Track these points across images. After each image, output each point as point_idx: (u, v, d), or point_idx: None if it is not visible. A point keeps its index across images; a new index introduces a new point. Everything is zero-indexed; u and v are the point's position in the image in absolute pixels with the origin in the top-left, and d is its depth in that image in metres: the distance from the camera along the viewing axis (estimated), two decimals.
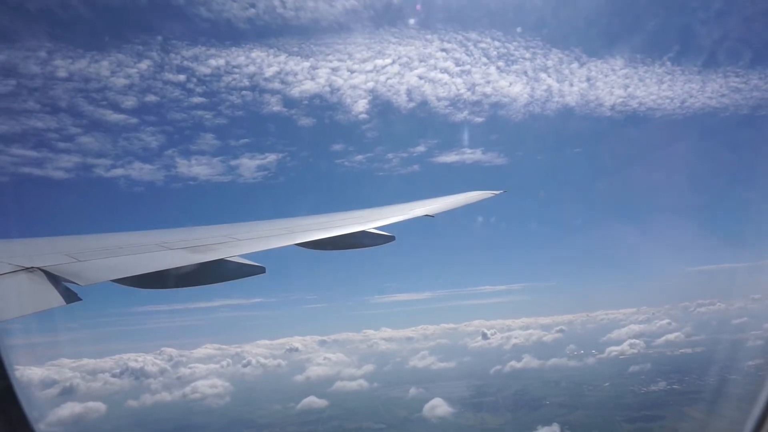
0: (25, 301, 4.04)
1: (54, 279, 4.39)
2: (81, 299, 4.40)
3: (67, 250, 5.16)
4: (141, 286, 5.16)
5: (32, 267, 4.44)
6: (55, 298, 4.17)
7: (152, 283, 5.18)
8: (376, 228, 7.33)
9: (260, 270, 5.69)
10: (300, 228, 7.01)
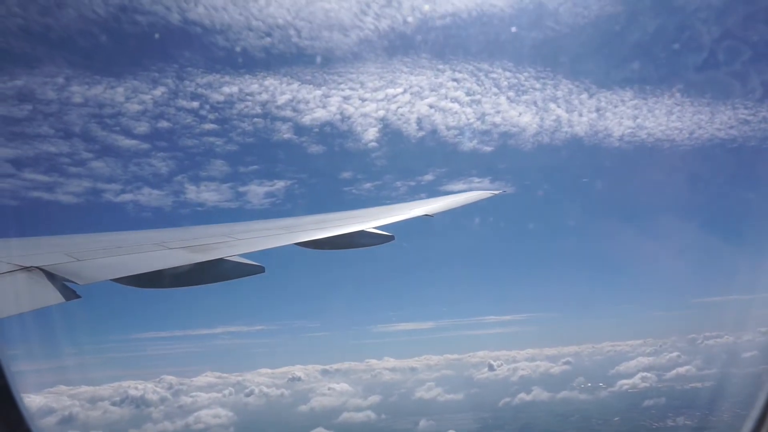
0: (23, 300, 4.02)
1: (53, 278, 4.38)
2: (80, 296, 4.37)
3: (66, 249, 5.15)
4: (140, 286, 5.14)
5: (31, 266, 4.42)
6: (54, 297, 4.15)
7: (151, 282, 5.16)
8: (375, 228, 7.31)
9: (259, 269, 5.66)
10: (299, 227, 7.00)
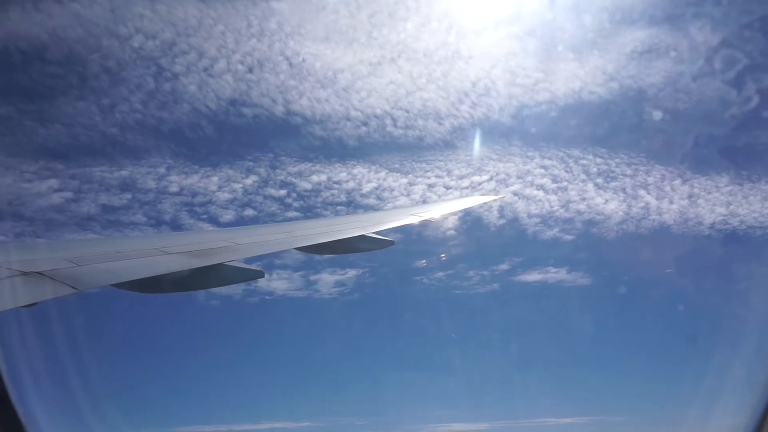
0: (20, 299, 4.01)
1: (53, 283, 4.36)
2: (78, 290, 4.34)
3: (66, 254, 5.14)
4: (140, 291, 5.14)
5: (30, 271, 4.41)
6: (52, 295, 4.14)
7: (151, 287, 5.16)
8: (375, 233, 7.36)
9: (259, 274, 5.68)
10: (299, 232, 7.02)
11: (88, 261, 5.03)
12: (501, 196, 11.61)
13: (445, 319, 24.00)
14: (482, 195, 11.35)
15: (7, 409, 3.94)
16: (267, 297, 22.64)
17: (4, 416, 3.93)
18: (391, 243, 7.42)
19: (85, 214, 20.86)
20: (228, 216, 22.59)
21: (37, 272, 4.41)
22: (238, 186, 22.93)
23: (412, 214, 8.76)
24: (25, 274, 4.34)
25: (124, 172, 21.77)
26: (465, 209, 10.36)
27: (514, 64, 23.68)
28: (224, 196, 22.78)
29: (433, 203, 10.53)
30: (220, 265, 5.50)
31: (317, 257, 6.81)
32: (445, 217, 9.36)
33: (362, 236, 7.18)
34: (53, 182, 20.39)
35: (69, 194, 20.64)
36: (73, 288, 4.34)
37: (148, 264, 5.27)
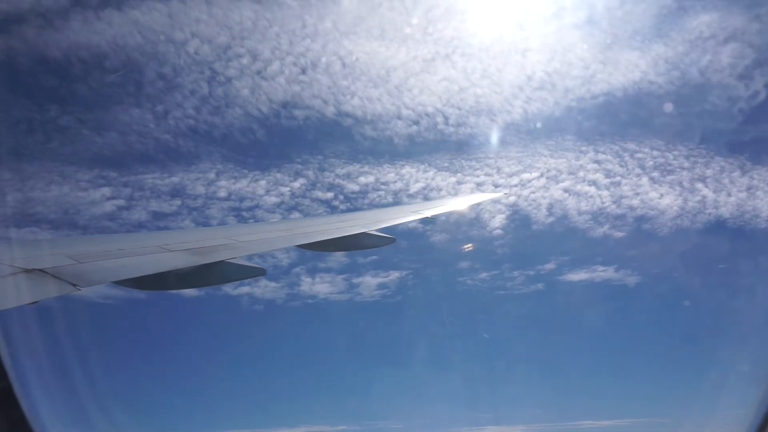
0: (22, 296, 4.03)
1: (55, 280, 4.39)
2: (80, 290, 4.37)
3: (68, 252, 5.16)
4: (141, 288, 5.17)
5: (33, 269, 4.43)
6: (54, 292, 4.17)
7: (153, 284, 5.19)
8: (377, 230, 7.39)
9: (261, 272, 5.71)
10: (300, 229, 7.06)
11: (91, 258, 5.05)
12: (503, 194, 11.62)
13: (485, 321, 23.31)
14: (482, 193, 11.37)
15: (12, 406, 3.97)
16: (309, 301, 22.34)
17: (9, 413, 3.96)
18: (392, 240, 7.47)
19: (135, 221, 20.84)
20: (274, 220, 22.33)
21: (40, 269, 4.43)
22: (285, 189, 22.62)
23: (412, 212, 8.79)
24: (27, 271, 4.36)
25: (175, 179, 21.67)
26: (465, 207, 10.38)
27: (572, 56, 22.51)
28: (271, 199, 22.49)
29: (434, 201, 10.55)
30: (222, 262, 5.53)
31: (311, 254, 6.83)
32: (443, 216, 9.39)
33: (363, 234, 7.21)
34: (106, 190, 20.45)
35: (121, 202, 20.66)
36: (75, 285, 4.37)
37: (150, 261, 5.30)
